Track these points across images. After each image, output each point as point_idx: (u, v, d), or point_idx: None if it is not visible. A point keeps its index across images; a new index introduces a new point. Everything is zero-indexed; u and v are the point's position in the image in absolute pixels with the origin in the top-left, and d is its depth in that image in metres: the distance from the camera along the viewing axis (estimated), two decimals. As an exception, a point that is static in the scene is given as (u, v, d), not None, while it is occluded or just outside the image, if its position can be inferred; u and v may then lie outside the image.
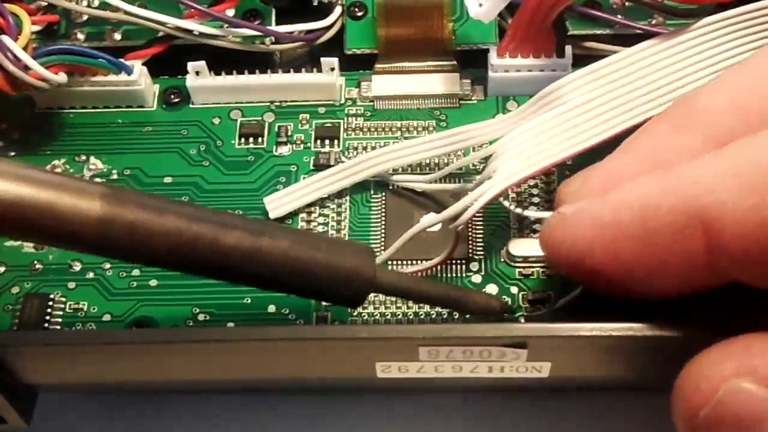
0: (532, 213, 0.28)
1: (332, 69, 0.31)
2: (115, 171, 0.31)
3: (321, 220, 0.29)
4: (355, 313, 0.28)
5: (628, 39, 0.29)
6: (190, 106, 0.32)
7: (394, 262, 0.28)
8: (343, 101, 0.32)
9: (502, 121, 0.29)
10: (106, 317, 0.28)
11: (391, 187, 0.30)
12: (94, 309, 0.28)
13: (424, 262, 0.28)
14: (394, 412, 0.30)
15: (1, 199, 0.20)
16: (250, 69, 0.31)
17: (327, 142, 0.31)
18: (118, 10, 0.31)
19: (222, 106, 0.32)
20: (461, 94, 0.31)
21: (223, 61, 0.31)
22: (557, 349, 0.24)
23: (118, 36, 0.32)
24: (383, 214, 0.29)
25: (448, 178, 0.30)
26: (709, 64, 0.28)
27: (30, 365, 0.25)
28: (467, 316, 0.27)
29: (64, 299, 0.28)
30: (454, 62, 0.32)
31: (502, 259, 0.28)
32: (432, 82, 0.32)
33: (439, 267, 0.28)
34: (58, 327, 0.28)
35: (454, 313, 0.27)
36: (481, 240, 0.29)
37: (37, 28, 0.31)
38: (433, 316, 0.27)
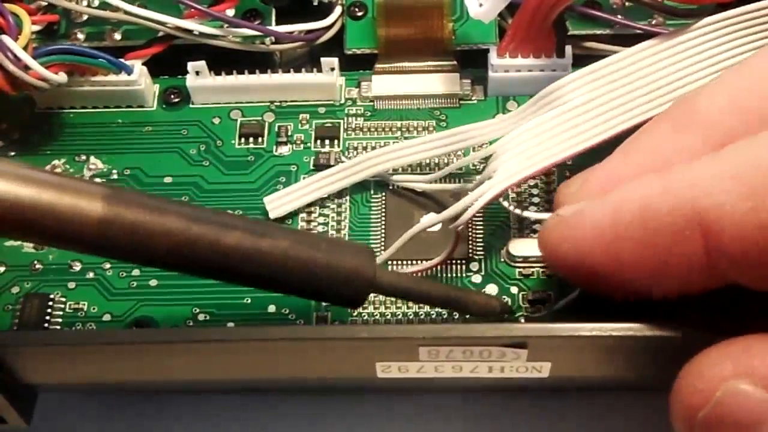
0: (531, 214, 0.28)
1: (332, 69, 0.31)
2: (115, 171, 0.31)
3: (321, 220, 0.29)
4: (355, 313, 0.28)
5: (628, 39, 0.29)
6: (190, 106, 0.32)
7: (394, 262, 0.28)
8: (343, 101, 0.32)
9: (502, 121, 0.29)
10: (106, 317, 0.28)
11: (391, 187, 0.30)
12: (94, 309, 0.28)
13: (424, 262, 0.28)
14: (394, 412, 0.30)
15: (2, 199, 0.20)
16: (250, 69, 0.31)
17: (327, 142, 0.31)
18: (118, 10, 0.31)
19: (222, 106, 0.32)
20: (461, 94, 0.31)
21: (223, 61, 0.31)
22: (557, 349, 0.24)
23: (118, 36, 0.32)
24: (383, 214, 0.29)
25: (448, 178, 0.30)
26: (709, 64, 0.28)
27: (30, 365, 0.25)
28: (467, 316, 0.27)
29: (64, 299, 0.28)
30: (454, 62, 0.32)
31: (502, 259, 0.28)
32: (432, 82, 0.32)
33: (439, 267, 0.28)
34: (58, 327, 0.28)
35: (454, 313, 0.27)
36: (481, 240, 0.29)
37: (37, 27, 0.31)
38: (433, 316, 0.27)
